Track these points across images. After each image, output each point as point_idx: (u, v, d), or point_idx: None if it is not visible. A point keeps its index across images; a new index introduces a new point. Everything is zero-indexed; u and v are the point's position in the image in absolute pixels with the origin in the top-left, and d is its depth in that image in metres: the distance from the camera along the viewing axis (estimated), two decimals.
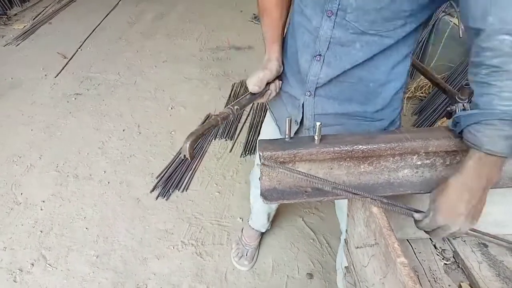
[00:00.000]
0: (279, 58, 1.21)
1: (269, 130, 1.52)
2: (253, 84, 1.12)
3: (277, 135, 1.41)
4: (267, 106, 1.51)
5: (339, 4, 0.98)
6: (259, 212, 2.10)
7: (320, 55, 1.08)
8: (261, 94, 1.16)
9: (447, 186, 0.89)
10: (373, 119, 1.19)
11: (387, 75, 1.10)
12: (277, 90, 1.25)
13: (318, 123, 0.93)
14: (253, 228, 2.23)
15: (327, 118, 1.19)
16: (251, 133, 3.14)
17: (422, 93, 3.49)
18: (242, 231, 2.28)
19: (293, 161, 0.97)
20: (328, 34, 1.04)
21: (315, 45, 1.08)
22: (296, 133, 1.30)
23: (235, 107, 1.05)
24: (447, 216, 0.89)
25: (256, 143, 3.01)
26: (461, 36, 3.10)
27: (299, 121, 1.25)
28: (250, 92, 1.14)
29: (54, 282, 2.11)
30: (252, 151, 2.96)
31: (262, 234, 2.29)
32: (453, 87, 1.50)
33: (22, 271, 2.16)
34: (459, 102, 1.39)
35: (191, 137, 0.95)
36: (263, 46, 1.24)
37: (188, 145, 0.92)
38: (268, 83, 1.18)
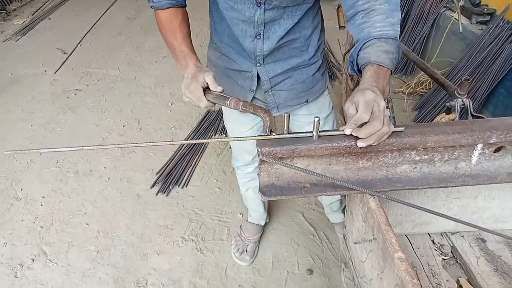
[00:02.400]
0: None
1: (230, 112, 1.67)
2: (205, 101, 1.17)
3: (238, 114, 1.56)
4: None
5: None
6: (253, 200, 2.12)
7: (259, 34, 1.31)
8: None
9: (358, 94, 0.94)
10: (309, 64, 1.46)
11: (310, 29, 1.37)
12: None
13: (316, 118, 0.93)
14: (253, 223, 2.24)
15: (278, 77, 1.45)
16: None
17: (422, 88, 3.48)
18: (241, 228, 2.28)
19: (291, 157, 0.97)
20: (262, 18, 1.25)
21: (254, 29, 1.29)
22: (251, 101, 1.50)
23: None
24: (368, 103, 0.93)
25: None
26: (461, 30, 3.09)
27: (254, 88, 1.47)
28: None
29: (54, 278, 2.12)
30: None
31: (263, 229, 2.30)
32: (453, 83, 1.50)
33: (22, 266, 2.17)
34: (458, 97, 1.40)
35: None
36: None
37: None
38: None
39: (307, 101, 1.56)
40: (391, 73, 1.05)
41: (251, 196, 2.10)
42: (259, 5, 1.22)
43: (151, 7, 1.34)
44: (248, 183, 2.02)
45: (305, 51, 1.42)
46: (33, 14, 5.29)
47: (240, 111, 1.08)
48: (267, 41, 1.32)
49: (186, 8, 1.39)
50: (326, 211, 2.26)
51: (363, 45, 1.06)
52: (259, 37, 1.31)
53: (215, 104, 1.15)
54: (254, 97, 1.52)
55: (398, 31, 1.07)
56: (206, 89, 1.15)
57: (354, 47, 1.09)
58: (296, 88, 1.49)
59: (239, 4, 1.24)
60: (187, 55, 1.26)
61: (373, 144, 0.92)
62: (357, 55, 1.07)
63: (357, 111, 0.91)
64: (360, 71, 1.07)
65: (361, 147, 0.92)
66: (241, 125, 1.66)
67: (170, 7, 1.32)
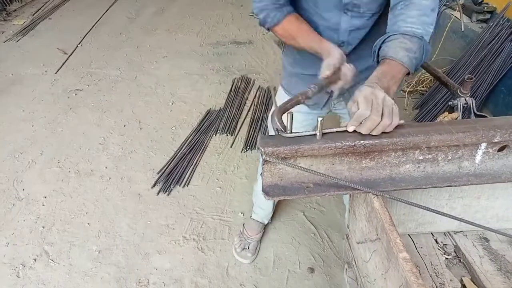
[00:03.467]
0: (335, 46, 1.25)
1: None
2: (324, 69, 1.17)
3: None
4: (283, 90, 1.64)
5: (353, 4, 1.20)
6: (265, 201, 2.12)
7: (343, 41, 1.31)
8: (332, 79, 1.19)
9: (357, 91, 0.96)
10: None
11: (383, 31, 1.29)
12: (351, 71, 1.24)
13: (319, 119, 0.92)
14: (257, 221, 2.24)
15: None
16: (251, 129, 3.14)
17: (423, 87, 3.48)
18: (243, 226, 2.28)
19: (294, 157, 0.96)
20: (347, 25, 1.26)
21: (338, 36, 1.30)
22: (326, 102, 1.52)
23: (312, 85, 1.11)
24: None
25: (257, 138, 3.01)
26: (463, 29, 3.08)
27: (329, 91, 1.36)
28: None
29: (56, 277, 2.12)
30: (253, 147, 2.96)
31: (264, 228, 2.30)
32: (454, 81, 1.48)
33: (24, 266, 2.17)
34: (460, 96, 1.39)
35: (279, 111, 1.01)
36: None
37: (277, 119, 0.98)
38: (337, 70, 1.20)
39: None
40: (410, 74, 1.05)
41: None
42: (345, 12, 1.23)
43: (267, 29, 1.31)
44: None
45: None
46: (33, 15, 5.29)
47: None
48: (349, 46, 1.34)
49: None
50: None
51: (387, 38, 1.07)
52: (341, 44, 1.31)
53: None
54: (329, 98, 1.50)
55: (429, 32, 1.07)
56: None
57: (380, 38, 1.10)
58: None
59: (326, 11, 1.25)
60: (321, 43, 1.23)
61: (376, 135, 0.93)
62: (379, 47, 1.08)
63: (358, 109, 0.92)
64: (378, 63, 1.08)
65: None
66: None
67: (286, 15, 1.27)
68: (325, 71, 1.16)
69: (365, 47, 1.34)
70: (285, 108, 1.03)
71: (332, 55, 1.18)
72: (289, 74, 1.59)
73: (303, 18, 1.31)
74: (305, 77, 1.49)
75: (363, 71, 1.37)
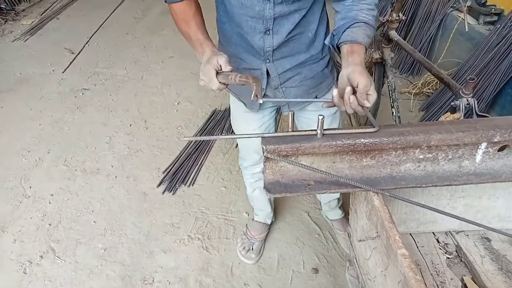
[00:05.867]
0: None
1: (237, 111, 1.72)
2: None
3: (245, 110, 1.65)
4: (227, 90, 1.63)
5: None
6: (260, 201, 2.14)
7: (269, 29, 1.32)
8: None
9: (357, 69, 1.10)
10: (318, 59, 1.49)
11: (316, 23, 1.39)
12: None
13: (320, 117, 0.94)
14: (260, 222, 2.25)
15: (287, 73, 1.47)
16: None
17: (429, 89, 3.47)
18: (247, 227, 2.29)
19: (296, 155, 0.98)
20: (271, 13, 1.27)
21: (263, 25, 1.31)
22: (263, 96, 1.53)
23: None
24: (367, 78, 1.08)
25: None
26: (466, 30, 3.08)
27: (264, 86, 1.49)
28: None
29: (62, 274, 2.14)
30: None
31: (269, 228, 2.31)
32: (460, 83, 1.50)
33: (31, 263, 2.20)
34: (463, 96, 1.40)
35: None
36: None
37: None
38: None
39: (316, 97, 1.57)
40: None
41: (258, 197, 2.11)
42: None
43: (165, 1, 1.37)
44: (255, 183, 2.03)
45: (312, 46, 1.45)
46: (41, 14, 5.34)
47: (239, 83, 1.12)
48: (276, 35, 1.35)
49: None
50: (323, 209, 2.29)
51: (352, 24, 1.20)
52: (268, 33, 1.34)
53: (226, 85, 1.21)
54: (265, 94, 1.54)
55: (376, 24, 1.28)
56: (218, 72, 1.20)
57: (341, 23, 1.23)
58: (305, 84, 1.51)
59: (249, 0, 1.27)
60: (203, 42, 1.31)
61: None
62: (343, 31, 1.21)
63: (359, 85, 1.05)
64: (337, 46, 1.23)
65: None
66: (248, 124, 1.68)
67: (183, 0, 1.34)
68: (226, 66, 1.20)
69: (294, 43, 1.40)
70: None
71: (219, 56, 1.22)
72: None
73: (226, 12, 1.37)
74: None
75: (296, 66, 1.46)
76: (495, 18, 3.12)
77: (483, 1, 3.14)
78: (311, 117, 1.64)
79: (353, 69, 1.09)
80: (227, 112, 3.33)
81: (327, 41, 1.31)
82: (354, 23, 1.20)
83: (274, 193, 0.99)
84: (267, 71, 1.46)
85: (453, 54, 3.38)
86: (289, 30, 1.33)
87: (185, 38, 1.39)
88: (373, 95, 1.06)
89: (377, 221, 0.95)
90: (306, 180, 1.01)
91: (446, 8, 3.50)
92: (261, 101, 1.06)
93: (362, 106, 1.05)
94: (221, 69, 1.20)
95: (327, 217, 2.33)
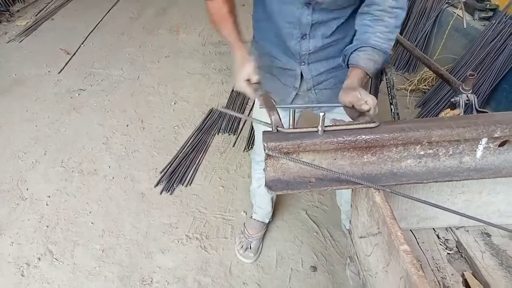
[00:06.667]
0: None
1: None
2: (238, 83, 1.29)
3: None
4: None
5: None
6: (262, 198, 2.14)
7: (305, 34, 1.35)
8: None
9: (342, 92, 1.17)
10: None
11: (354, 30, 1.36)
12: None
13: (321, 114, 0.93)
14: (258, 220, 2.25)
15: (321, 76, 1.49)
16: (254, 128, 3.14)
17: (425, 85, 3.48)
18: (244, 225, 2.29)
19: (297, 152, 0.97)
20: (309, 19, 1.30)
21: (299, 31, 1.34)
22: (294, 98, 1.57)
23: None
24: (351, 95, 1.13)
25: None
26: (465, 26, 3.08)
27: (297, 86, 1.52)
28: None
29: (60, 276, 2.13)
30: None
31: (266, 226, 2.30)
32: (456, 79, 1.49)
33: (29, 265, 2.18)
34: (462, 93, 1.40)
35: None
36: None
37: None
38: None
39: None
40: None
41: (261, 193, 2.11)
42: (307, 5, 1.27)
43: None
44: (263, 179, 2.02)
45: None
46: (36, 15, 5.31)
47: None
48: (312, 40, 1.37)
49: None
50: (342, 218, 2.25)
51: (359, 47, 1.23)
52: (305, 37, 1.36)
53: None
54: (297, 94, 1.56)
55: (391, 46, 1.26)
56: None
57: (353, 44, 1.26)
58: (340, 88, 1.51)
59: (287, 4, 1.29)
60: (234, 43, 1.35)
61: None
62: (351, 53, 1.25)
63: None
64: (347, 65, 1.28)
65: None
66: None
67: None
68: (237, 86, 1.28)
69: (331, 48, 1.42)
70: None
71: (244, 67, 1.27)
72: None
73: (266, 12, 1.39)
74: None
75: (331, 70, 1.48)
76: (490, 13, 3.13)
77: None
78: (339, 118, 1.64)
79: (341, 92, 1.17)
80: (224, 112, 3.33)
81: (340, 59, 1.34)
82: (361, 46, 1.22)
83: (276, 190, 0.99)
84: (301, 73, 1.49)
85: (449, 50, 3.39)
86: (326, 35, 1.36)
87: (220, 35, 1.42)
88: (368, 100, 1.08)
89: (378, 217, 0.95)
90: (307, 177, 1.00)
91: (441, 4, 3.51)
92: (283, 130, 1.07)
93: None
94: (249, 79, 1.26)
95: (344, 226, 2.26)
